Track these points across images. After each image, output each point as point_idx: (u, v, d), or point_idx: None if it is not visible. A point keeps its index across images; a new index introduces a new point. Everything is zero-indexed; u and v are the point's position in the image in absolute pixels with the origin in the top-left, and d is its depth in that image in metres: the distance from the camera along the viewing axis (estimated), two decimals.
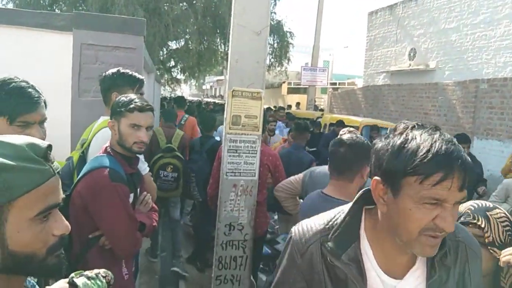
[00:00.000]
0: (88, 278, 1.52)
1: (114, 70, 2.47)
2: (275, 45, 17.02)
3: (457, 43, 12.54)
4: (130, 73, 2.48)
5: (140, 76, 2.51)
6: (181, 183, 4.54)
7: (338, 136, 2.17)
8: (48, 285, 1.43)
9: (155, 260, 5.18)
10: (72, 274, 1.51)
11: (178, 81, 24.08)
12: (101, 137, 2.36)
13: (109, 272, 1.65)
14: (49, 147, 0.88)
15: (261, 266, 4.24)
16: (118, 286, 2.07)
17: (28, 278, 0.99)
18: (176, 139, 5.03)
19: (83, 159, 2.41)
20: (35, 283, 1.01)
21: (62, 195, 0.90)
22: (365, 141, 2.10)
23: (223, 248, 3.40)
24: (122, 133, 2.04)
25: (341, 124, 8.62)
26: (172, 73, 20.80)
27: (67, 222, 0.90)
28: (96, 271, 1.57)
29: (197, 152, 4.91)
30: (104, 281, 1.56)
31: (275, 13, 17.05)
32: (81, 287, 1.47)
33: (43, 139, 1.61)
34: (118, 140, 2.06)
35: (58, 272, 0.91)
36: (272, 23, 15.57)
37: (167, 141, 4.93)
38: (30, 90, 1.58)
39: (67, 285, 1.45)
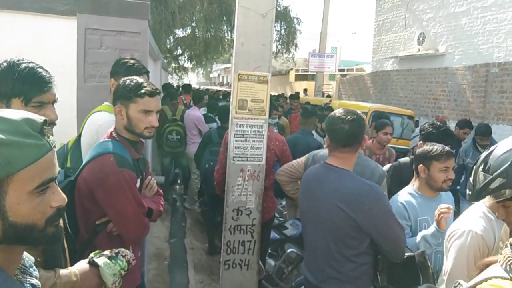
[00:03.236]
0: (109, 257, 1.52)
1: (127, 59, 2.47)
2: (282, 31, 16.86)
3: (467, 27, 12.32)
4: (136, 64, 2.46)
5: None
6: (184, 142, 6.83)
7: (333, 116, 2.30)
8: (70, 265, 1.44)
9: None
10: (92, 254, 1.51)
11: (185, 70, 24.03)
12: (90, 122, 2.41)
13: (128, 251, 1.65)
14: (45, 122, 0.90)
15: (269, 251, 4.25)
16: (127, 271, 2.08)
17: (26, 258, 0.99)
18: (179, 112, 7.02)
19: (78, 142, 2.43)
20: (32, 263, 1.01)
21: (58, 168, 0.93)
22: (360, 115, 2.28)
23: (231, 232, 3.39)
24: (132, 118, 1.99)
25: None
26: (179, 61, 20.73)
27: (63, 195, 0.92)
28: (115, 250, 1.57)
29: (216, 144, 4.89)
30: (124, 260, 1.56)
31: None
32: (102, 267, 1.47)
33: (57, 119, 1.65)
34: (126, 125, 2.01)
35: (57, 240, 0.94)
36: (279, 9, 15.39)
37: (172, 114, 6.97)
38: (41, 70, 1.60)
39: (88, 265, 1.46)
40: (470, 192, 1.57)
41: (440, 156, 2.55)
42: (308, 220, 2.35)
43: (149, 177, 2.23)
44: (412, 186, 2.71)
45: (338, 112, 2.27)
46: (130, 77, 2.07)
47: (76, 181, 1.97)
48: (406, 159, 3.44)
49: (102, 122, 2.34)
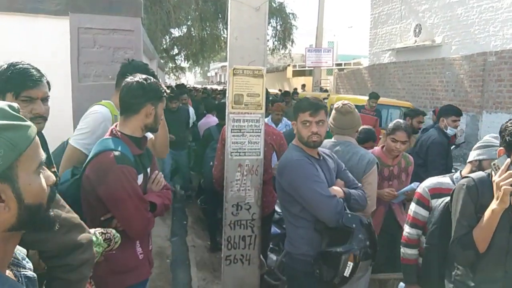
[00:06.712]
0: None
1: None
2: (278, 27, 16.81)
3: (463, 17, 12.30)
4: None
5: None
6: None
7: None
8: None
9: None
10: None
11: (182, 69, 23.99)
12: (92, 109, 2.52)
13: (111, 230, 1.71)
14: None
15: (271, 245, 4.24)
16: (133, 265, 2.11)
17: (18, 251, 1.00)
18: None
19: None
20: (25, 255, 1.01)
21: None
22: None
23: (231, 228, 3.39)
24: (158, 116, 2.14)
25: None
26: (176, 61, 20.68)
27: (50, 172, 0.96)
28: (93, 230, 1.63)
29: (217, 141, 4.88)
30: (100, 237, 1.62)
31: None
32: None
33: (47, 114, 1.80)
34: (152, 124, 2.12)
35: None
36: (274, 5, 15.35)
37: None
38: (32, 70, 1.77)
39: None
40: None
41: None
42: None
43: (156, 171, 2.26)
44: None
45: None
46: (145, 76, 2.12)
47: (81, 179, 2.05)
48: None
49: (100, 112, 2.47)
